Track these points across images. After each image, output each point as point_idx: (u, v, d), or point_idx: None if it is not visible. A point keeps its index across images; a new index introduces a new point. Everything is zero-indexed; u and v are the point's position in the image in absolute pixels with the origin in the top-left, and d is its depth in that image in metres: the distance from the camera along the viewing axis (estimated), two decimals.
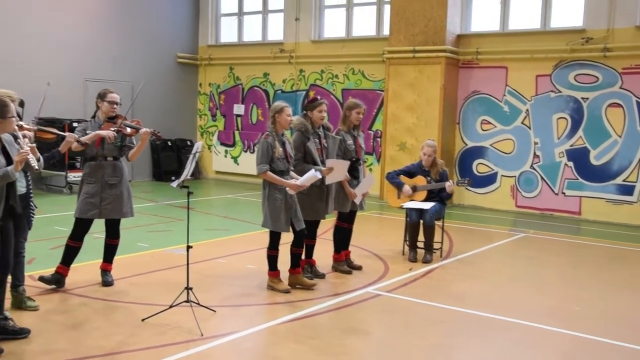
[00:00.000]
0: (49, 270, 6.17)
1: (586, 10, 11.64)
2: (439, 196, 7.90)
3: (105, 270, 6.32)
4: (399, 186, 7.91)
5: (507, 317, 5.75)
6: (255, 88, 15.83)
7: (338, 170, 6.41)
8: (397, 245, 8.39)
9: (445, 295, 6.43)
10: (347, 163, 6.60)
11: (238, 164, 16.06)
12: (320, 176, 6.12)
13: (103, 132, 5.90)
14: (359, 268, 7.26)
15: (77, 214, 6.08)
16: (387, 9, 13.55)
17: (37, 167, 4.51)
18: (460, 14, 12.77)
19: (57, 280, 6.06)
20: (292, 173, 6.21)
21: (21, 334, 4.76)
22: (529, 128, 12.20)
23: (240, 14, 16.21)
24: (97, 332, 4.97)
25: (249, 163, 15.64)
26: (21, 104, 5.66)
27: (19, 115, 5.37)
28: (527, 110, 12.20)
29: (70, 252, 6.13)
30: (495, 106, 12.54)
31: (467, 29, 12.88)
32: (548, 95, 11.98)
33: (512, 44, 12.24)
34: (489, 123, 12.63)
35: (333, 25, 14.82)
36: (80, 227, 6.11)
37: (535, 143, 12.15)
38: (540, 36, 12.07)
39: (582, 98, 11.64)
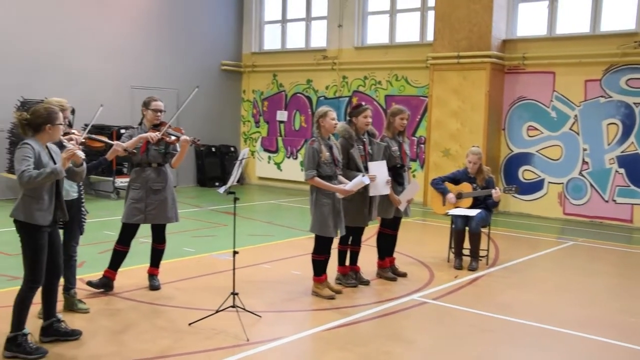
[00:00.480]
0: (98, 274, 6.29)
1: (639, 13, 11.33)
2: (485, 203, 7.78)
3: (153, 274, 6.42)
4: (443, 193, 7.83)
5: (557, 327, 5.61)
6: (298, 95, 15.91)
7: (381, 178, 6.37)
8: (441, 253, 8.30)
9: (492, 303, 6.32)
10: (384, 162, 6.53)
11: (281, 170, 16.14)
12: (367, 182, 6.11)
13: (144, 135, 5.97)
14: (404, 275, 7.20)
15: (123, 219, 6.19)
16: (430, 14, 13.46)
17: (83, 158, 4.57)
18: (506, 18, 12.59)
19: (104, 284, 6.18)
20: (341, 178, 6.19)
21: (73, 335, 4.86)
22: (578, 134, 11.93)
23: (284, 21, 16.32)
24: (145, 335, 5.04)
25: (291, 169, 15.73)
26: (72, 111, 5.80)
27: (70, 123, 5.53)
28: (576, 116, 11.94)
29: (118, 257, 6.23)
30: (542, 112, 12.31)
31: (513, 34, 12.69)
32: (598, 101, 11.70)
33: (560, 49, 12.01)
34: (536, 129, 12.40)
35: (376, 32, 14.80)
36: (127, 232, 6.22)
37: (584, 149, 11.87)
38: (590, 40, 11.80)
39: (634, 103, 11.33)
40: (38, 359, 4.46)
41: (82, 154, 4.56)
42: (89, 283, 6.15)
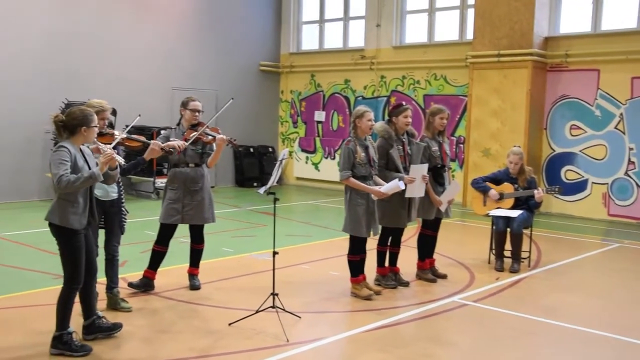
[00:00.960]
0: (140, 274, 6.37)
1: None
2: (527, 204, 7.64)
3: (192, 274, 6.46)
4: (485, 191, 7.71)
5: (603, 331, 5.47)
6: (336, 95, 15.89)
7: (418, 181, 6.32)
8: (482, 254, 8.18)
9: (535, 306, 6.19)
10: (425, 166, 6.48)
11: (319, 171, 16.15)
12: (403, 187, 6.07)
13: (172, 143, 5.91)
14: (444, 277, 7.11)
15: (161, 219, 6.24)
16: (470, 12, 13.29)
17: (121, 162, 4.62)
18: (548, 15, 12.35)
19: (145, 285, 6.25)
20: (376, 178, 6.15)
21: (115, 329, 4.93)
22: (623, 133, 11.63)
23: (322, 21, 16.33)
24: (185, 335, 5.08)
25: (329, 169, 15.72)
26: (113, 112, 5.88)
27: (111, 124, 5.60)
28: (622, 114, 11.64)
29: (157, 257, 6.29)
30: (586, 110, 12.03)
31: (556, 31, 12.44)
32: None
33: (605, 45, 11.71)
34: (579, 128, 12.14)
35: (414, 31, 14.68)
36: (165, 232, 6.27)
37: (631, 149, 11.56)
38: (637, 36, 11.47)
39: None
40: (83, 356, 4.53)
41: (120, 159, 4.60)
42: (130, 284, 6.23)
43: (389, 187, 6.00)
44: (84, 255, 4.58)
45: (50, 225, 4.52)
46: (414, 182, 6.24)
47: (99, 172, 4.36)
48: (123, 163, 4.71)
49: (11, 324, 5.20)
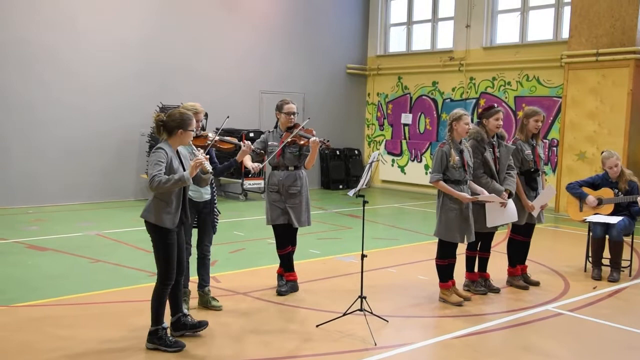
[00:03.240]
0: (229, 273, 6.49)
1: None
2: (628, 210, 7.24)
3: (282, 274, 6.52)
4: (581, 197, 7.37)
5: None
6: (423, 97, 15.69)
7: (512, 207, 6.26)
8: (577, 262, 7.83)
9: (637, 318, 5.85)
10: (553, 191, 6.68)
11: (405, 174, 15.99)
12: (503, 202, 6.08)
13: (249, 164, 5.97)
14: (537, 284, 6.85)
15: (270, 221, 6.26)
16: (566, 10, 12.78)
17: (210, 170, 4.72)
18: None
19: (292, 287, 6.35)
20: (471, 184, 6.03)
21: (200, 327, 5.04)
22: None
23: (410, 23, 16.17)
24: (273, 335, 5.13)
25: (416, 172, 15.54)
26: (205, 115, 6.02)
27: (203, 127, 5.75)
28: None
29: (285, 259, 6.36)
30: None
31: None
32: None
33: None
34: None
35: (506, 31, 14.27)
36: (278, 234, 6.29)
37: None
38: None
39: None
40: (177, 352, 4.66)
41: (209, 166, 4.69)
42: (280, 293, 6.23)
43: (485, 198, 5.98)
44: (176, 252, 4.72)
45: (146, 222, 4.69)
46: (506, 206, 6.15)
47: (188, 176, 4.49)
48: (210, 170, 4.80)
49: (109, 318, 5.43)
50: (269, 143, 6.24)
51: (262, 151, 6.13)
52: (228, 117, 6.03)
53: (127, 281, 6.68)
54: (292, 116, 6.25)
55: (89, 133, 12.33)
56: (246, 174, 13.44)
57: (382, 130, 16.68)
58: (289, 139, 6.11)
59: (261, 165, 6.08)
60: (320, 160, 16.12)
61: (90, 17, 12.24)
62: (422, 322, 5.68)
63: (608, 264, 7.24)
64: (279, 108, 6.31)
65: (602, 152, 7.51)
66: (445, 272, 6.13)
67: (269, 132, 6.39)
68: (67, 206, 11.92)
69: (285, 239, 6.32)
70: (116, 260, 7.62)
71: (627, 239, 7.41)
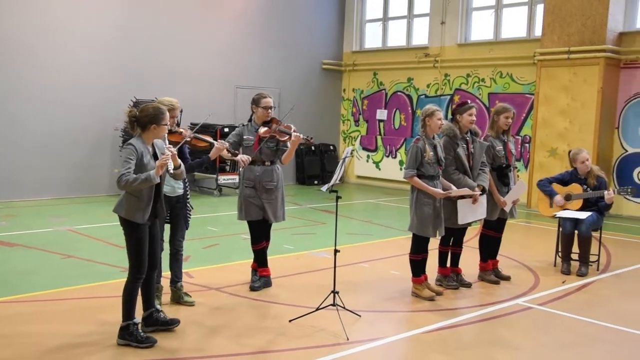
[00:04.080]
0: (203, 268, 6.46)
1: None
2: (597, 206, 7.37)
3: (256, 270, 6.51)
4: (550, 195, 7.49)
5: None
6: (398, 93, 15.76)
7: (483, 202, 6.34)
8: (547, 256, 7.95)
9: (604, 311, 5.96)
10: (523, 187, 6.77)
11: (380, 169, 16.06)
12: (475, 196, 6.14)
13: (238, 158, 5.91)
14: (507, 278, 6.95)
15: (244, 217, 6.24)
16: (539, 8, 12.93)
17: (171, 171, 4.68)
18: (624, 9, 11.87)
19: (266, 283, 6.35)
20: (442, 180, 6.09)
21: (172, 324, 5.02)
22: None
23: (385, 19, 16.22)
24: (246, 330, 5.13)
25: (390, 168, 15.62)
26: (180, 111, 5.97)
27: (178, 122, 5.71)
28: None
29: (259, 255, 6.36)
30: None
31: (632, 26, 11.94)
32: None
33: None
34: None
35: (480, 28, 14.40)
36: (254, 229, 6.28)
37: None
38: None
39: None
40: (148, 348, 4.64)
41: (171, 165, 4.61)
42: (253, 288, 6.23)
43: (457, 193, 6.02)
44: (147, 247, 4.70)
45: (119, 217, 4.67)
46: (477, 202, 6.20)
47: (154, 175, 4.46)
48: (179, 164, 4.76)
49: (81, 314, 5.39)
50: (244, 137, 6.20)
51: (236, 152, 6.04)
52: (210, 114, 5.96)
53: (98, 277, 6.62)
54: (269, 110, 6.21)
55: (62, 127, 12.17)
56: (221, 169, 13.40)
57: (358, 126, 16.73)
58: (269, 135, 6.07)
59: (250, 158, 6.00)
60: (296, 155, 16.10)
61: (64, 11, 12.07)
62: (394, 317, 5.72)
63: (577, 258, 7.37)
64: (256, 102, 6.25)
65: (570, 151, 7.63)
66: (418, 266, 6.19)
67: (243, 125, 6.35)
68: (37, 201, 11.77)
69: (260, 234, 6.32)
70: (88, 255, 7.55)
71: (596, 234, 7.54)
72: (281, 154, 6.23)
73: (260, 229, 6.30)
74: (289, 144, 6.18)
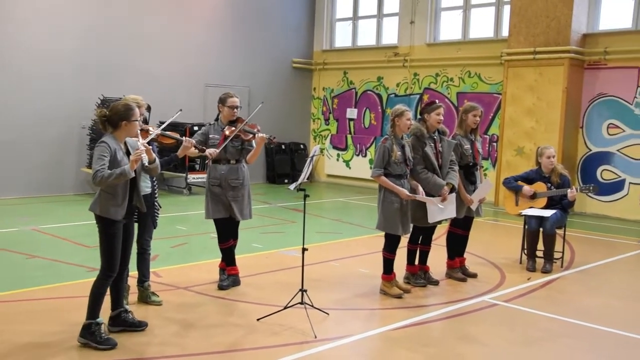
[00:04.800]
0: (171, 267, 6.42)
1: None
2: (560, 204, 7.51)
3: (224, 269, 6.49)
4: (517, 189, 7.61)
5: (637, 334, 5.34)
6: (368, 92, 15.84)
7: (451, 202, 6.39)
8: (513, 254, 8.07)
9: (568, 307, 6.08)
10: (489, 185, 6.87)
11: (350, 168, 16.12)
12: (439, 206, 6.19)
13: (207, 152, 5.91)
14: (474, 276, 7.04)
15: (210, 216, 6.24)
16: (506, 9, 13.11)
17: (146, 164, 4.67)
18: (587, 11, 12.10)
19: (234, 282, 6.34)
20: (410, 180, 6.14)
21: (140, 326, 4.98)
22: None
23: (355, 18, 16.28)
24: (214, 329, 5.12)
25: (361, 167, 15.68)
26: (148, 108, 5.93)
27: (145, 120, 5.67)
28: None
29: (227, 253, 6.35)
30: (625, 109, 11.77)
31: (595, 28, 12.19)
32: None
33: None
34: (617, 127, 11.88)
35: (449, 28, 14.54)
36: (221, 227, 6.29)
37: None
38: None
39: None
40: (106, 350, 4.57)
41: (146, 159, 4.61)
42: (221, 287, 6.22)
43: (424, 198, 6.07)
44: (120, 245, 4.68)
45: (94, 214, 4.64)
46: (446, 202, 6.26)
47: (129, 170, 4.45)
48: (154, 158, 4.76)
49: (46, 315, 5.31)
50: (210, 136, 6.21)
51: (203, 148, 6.04)
52: (181, 110, 5.93)
53: (65, 277, 6.54)
54: (235, 110, 6.23)
55: (28, 125, 11.95)
56: (190, 168, 13.32)
57: (328, 124, 16.76)
58: (234, 134, 6.08)
59: (217, 151, 6.01)
60: (266, 154, 16.09)
61: (28, 6, 11.86)
62: (362, 314, 5.76)
63: (542, 255, 7.50)
64: (222, 101, 6.28)
65: (538, 148, 7.78)
66: (390, 264, 6.24)
67: (210, 124, 6.37)
68: (2, 200, 11.54)
69: (227, 232, 6.32)
70: (53, 255, 7.44)
71: (560, 232, 7.69)
72: (246, 153, 6.26)
73: (227, 228, 6.30)
74: (254, 143, 6.21)
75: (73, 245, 8.01)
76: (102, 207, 4.58)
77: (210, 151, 5.95)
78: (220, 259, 6.47)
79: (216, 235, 6.42)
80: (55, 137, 12.37)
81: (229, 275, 6.34)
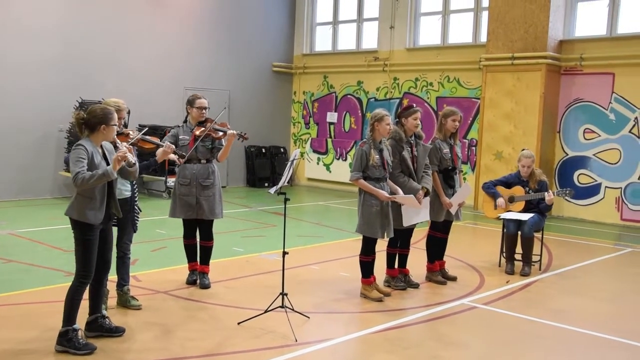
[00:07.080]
0: (150, 272, 6.38)
1: None
2: (538, 207, 7.61)
3: (203, 272, 6.48)
4: (494, 197, 7.69)
5: (613, 335, 5.43)
6: (348, 96, 15.89)
7: (425, 205, 6.46)
8: (493, 257, 8.15)
9: (546, 310, 6.15)
10: (468, 189, 6.94)
11: (330, 172, 16.15)
12: (419, 206, 6.22)
13: (172, 157, 5.85)
14: (454, 279, 7.09)
15: (177, 214, 6.31)
16: (485, 15, 13.25)
17: (133, 162, 4.67)
18: (564, 18, 12.28)
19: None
20: (390, 182, 6.18)
21: (117, 332, 4.93)
22: (638, 137, 11.54)
23: (335, 22, 16.33)
24: (194, 333, 5.10)
25: (341, 171, 15.71)
26: (127, 112, 5.94)
27: (125, 124, 5.65)
28: (637, 118, 11.54)
29: (189, 250, 6.49)
30: (600, 114, 11.95)
31: (571, 34, 12.37)
32: None
33: (621, 49, 11.63)
34: (593, 132, 12.06)
35: (428, 33, 14.65)
36: (188, 225, 6.42)
37: None
38: None
39: None
40: (86, 355, 4.53)
41: (132, 158, 4.62)
42: (204, 286, 6.33)
43: (402, 199, 6.09)
44: (96, 250, 4.62)
45: (70, 218, 4.59)
46: (421, 205, 6.30)
47: (112, 171, 4.42)
48: (134, 162, 4.74)
49: (22, 320, 5.25)
50: (180, 137, 6.28)
51: (183, 154, 6.06)
52: (178, 125, 5.90)
53: (41, 281, 6.46)
54: (203, 111, 6.32)
55: (3, 128, 11.80)
56: (170, 171, 13.23)
57: (308, 128, 16.78)
58: (204, 133, 6.14)
59: (186, 155, 6.06)
60: (246, 158, 16.07)
61: (3, 9, 11.72)
62: (342, 318, 5.78)
63: (520, 259, 7.59)
64: (190, 103, 6.37)
65: (523, 150, 7.88)
66: (368, 268, 6.26)
67: (179, 126, 6.44)
68: None
69: (193, 230, 6.43)
70: (30, 260, 7.35)
71: (538, 235, 7.78)
72: (217, 152, 6.32)
73: (192, 226, 6.40)
74: (224, 142, 6.29)
75: (50, 250, 7.91)
76: (79, 211, 4.53)
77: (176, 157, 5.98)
78: (198, 263, 6.48)
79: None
80: (32, 140, 12.23)
81: (193, 270, 6.48)
